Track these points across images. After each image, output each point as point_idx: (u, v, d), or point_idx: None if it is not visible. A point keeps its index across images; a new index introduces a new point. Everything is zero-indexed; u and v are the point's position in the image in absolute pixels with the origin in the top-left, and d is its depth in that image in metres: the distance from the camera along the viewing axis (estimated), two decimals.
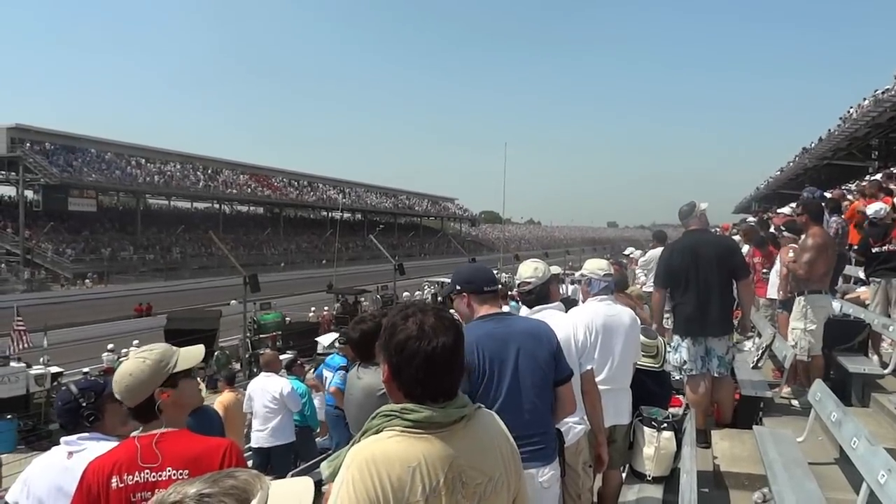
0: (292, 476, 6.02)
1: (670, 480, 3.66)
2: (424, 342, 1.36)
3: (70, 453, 2.15)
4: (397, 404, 1.37)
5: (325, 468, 1.47)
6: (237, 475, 0.94)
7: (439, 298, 30.17)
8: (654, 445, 3.66)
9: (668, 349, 5.70)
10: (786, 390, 4.95)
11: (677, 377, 5.05)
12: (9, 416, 13.78)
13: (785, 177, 32.19)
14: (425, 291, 35.19)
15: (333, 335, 6.47)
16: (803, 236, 4.91)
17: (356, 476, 1.27)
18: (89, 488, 1.73)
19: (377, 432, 1.35)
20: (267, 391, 6.40)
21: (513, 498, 1.45)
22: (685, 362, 4.21)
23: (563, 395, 2.42)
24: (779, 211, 11.37)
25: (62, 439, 2.25)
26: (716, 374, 4.19)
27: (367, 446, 1.32)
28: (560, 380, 2.39)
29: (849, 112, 23.92)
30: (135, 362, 1.84)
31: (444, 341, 1.37)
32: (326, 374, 6.28)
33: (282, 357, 8.52)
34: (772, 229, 8.43)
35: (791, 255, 5.07)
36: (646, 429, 3.72)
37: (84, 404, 2.26)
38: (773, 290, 5.93)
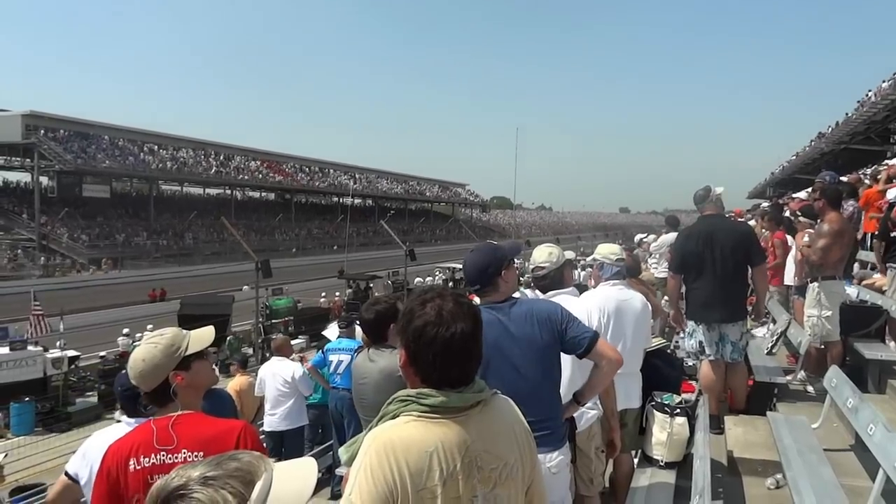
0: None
1: (683, 466, 3.64)
2: (442, 328, 1.35)
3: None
4: (413, 389, 1.37)
5: (343, 453, 1.46)
6: (240, 457, 0.93)
7: (450, 284, 30.15)
8: (666, 431, 3.64)
9: (682, 335, 5.66)
10: (800, 376, 4.90)
11: (690, 363, 5.02)
12: (27, 399, 14.08)
13: (800, 161, 31.66)
14: (436, 277, 35.24)
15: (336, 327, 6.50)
16: (819, 221, 4.83)
17: (374, 461, 1.27)
18: (109, 471, 1.76)
19: (394, 417, 1.35)
20: (279, 375, 6.47)
21: (528, 483, 1.45)
22: (700, 348, 4.17)
23: (597, 356, 2.28)
24: (794, 196, 11.20)
25: (122, 419, 2.37)
26: (729, 360, 4.15)
27: (384, 431, 1.32)
28: (581, 351, 2.28)
29: (867, 96, 23.41)
30: (146, 348, 1.86)
31: (463, 327, 1.36)
32: (341, 357, 6.32)
33: (293, 342, 8.59)
34: (787, 214, 8.32)
35: (806, 239, 4.99)
36: (658, 414, 3.70)
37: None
38: (789, 277, 5.85)
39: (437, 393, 1.33)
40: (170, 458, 1.73)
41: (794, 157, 34.08)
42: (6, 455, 8.18)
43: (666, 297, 5.62)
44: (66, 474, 2.29)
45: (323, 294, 28.03)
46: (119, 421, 2.42)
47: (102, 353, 18.50)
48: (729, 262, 4.01)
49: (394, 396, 1.39)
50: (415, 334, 1.36)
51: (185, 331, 1.95)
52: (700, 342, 4.18)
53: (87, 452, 2.28)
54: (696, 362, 4.36)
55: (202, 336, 1.94)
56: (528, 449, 1.45)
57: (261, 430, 6.62)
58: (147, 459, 1.74)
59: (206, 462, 0.93)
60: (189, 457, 1.72)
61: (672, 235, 8.71)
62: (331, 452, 6.51)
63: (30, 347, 15.85)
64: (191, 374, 1.86)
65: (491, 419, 1.39)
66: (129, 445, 1.78)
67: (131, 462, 1.74)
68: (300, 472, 0.96)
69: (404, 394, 1.37)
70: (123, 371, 2.45)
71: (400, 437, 1.29)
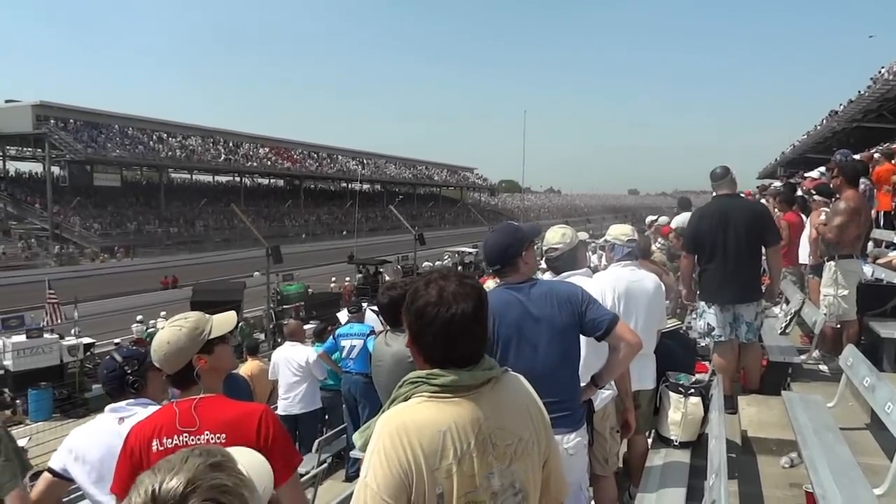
0: (320, 442, 6.18)
1: (697, 446, 3.64)
2: (443, 308, 1.34)
3: (121, 419, 2.22)
4: (423, 370, 1.37)
5: (357, 438, 1.48)
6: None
7: (459, 267, 30.17)
8: (680, 411, 3.63)
9: (693, 315, 5.61)
10: (815, 356, 4.86)
11: (703, 343, 4.99)
12: (44, 385, 14.29)
13: (812, 140, 31.10)
14: (445, 261, 35.26)
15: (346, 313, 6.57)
16: (836, 199, 4.74)
17: (387, 444, 1.27)
18: (132, 451, 1.79)
19: (405, 399, 1.35)
20: (292, 360, 6.50)
21: (544, 458, 1.45)
22: (712, 329, 4.13)
23: (616, 339, 2.29)
24: (807, 175, 11.03)
25: (109, 407, 2.32)
26: (744, 341, 4.11)
27: (396, 414, 1.33)
28: (600, 334, 2.29)
29: (880, 72, 22.90)
30: (171, 331, 1.87)
31: (464, 308, 1.35)
32: (353, 342, 6.34)
33: (306, 327, 8.63)
34: (799, 193, 8.19)
35: (822, 217, 4.91)
36: (672, 394, 3.68)
37: (129, 372, 2.32)
38: (803, 256, 5.77)
39: (447, 372, 1.33)
40: (192, 440, 1.74)
41: (806, 136, 33.50)
42: (29, 439, 8.35)
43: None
44: (51, 471, 2.24)
45: (333, 279, 28.13)
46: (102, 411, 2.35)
47: (117, 340, 18.69)
48: (743, 242, 3.95)
49: (404, 379, 1.39)
50: (416, 314, 1.37)
51: (208, 315, 1.96)
52: (708, 324, 4.13)
53: (74, 447, 2.24)
54: (709, 342, 4.33)
55: (224, 321, 1.96)
56: (543, 424, 1.45)
57: (275, 413, 6.68)
58: (170, 440, 1.75)
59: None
60: (211, 438, 1.74)
61: (686, 216, 8.62)
62: (344, 436, 6.56)
63: (46, 335, 16.04)
64: (214, 357, 1.88)
65: (503, 396, 1.39)
66: (152, 426, 1.79)
67: (154, 443, 1.76)
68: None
69: (414, 376, 1.37)
70: (108, 356, 2.45)
71: (413, 419, 1.30)
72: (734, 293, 4.02)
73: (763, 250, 4.12)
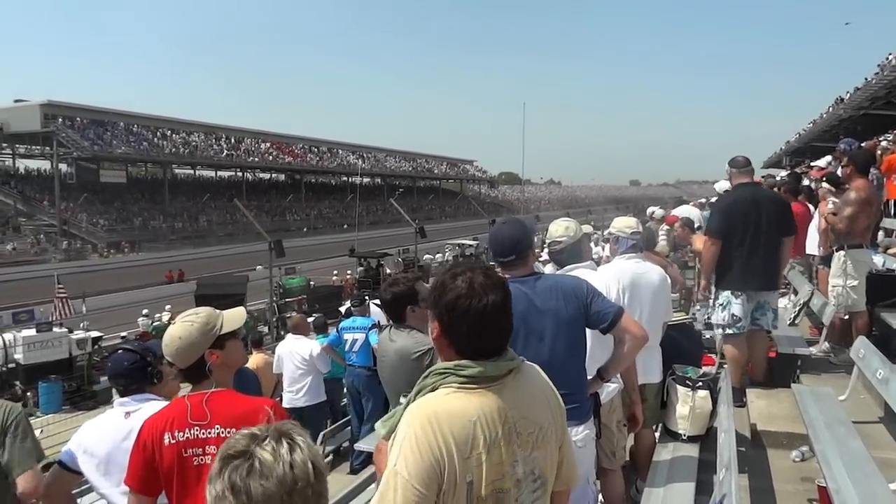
0: (324, 435, 6.13)
1: (705, 440, 3.57)
2: (475, 300, 1.36)
3: (127, 413, 2.23)
4: (450, 361, 1.39)
5: (380, 427, 1.49)
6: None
7: (460, 260, 30.17)
8: (688, 405, 3.55)
9: (698, 307, 5.52)
10: (824, 347, 4.78)
11: (709, 335, 4.91)
12: (53, 378, 14.36)
13: (818, 129, 30.73)
14: (446, 254, 35.22)
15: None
16: (847, 189, 4.64)
17: (419, 432, 1.29)
18: (144, 444, 1.81)
19: (433, 390, 1.37)
20: (296, 353, 6.47)
21: (559, 444, 1.48)
22: (738, 319, 4.01)
23: (621, 332, 2.28)
24: (814, 164, 10.90)
25: (116, 401, 2.33)
26: (771, 329, 4.08)
27: (427, 403, 1.35)
28: (605, 326, 2.27)
29: (888, 59, 22.60)
30: (183, 326, 1.88)
31: (494, 299, 1.37)
32: (356, 336, 6.28)
33: (308, 320, 8.59)
34: (806, 182, 8.08)
35: (831, 207, 4.81)
36: (679, 388, 3.61)
37: (150, 362, 2.33)
38: (812, 246, 5.68)
39: (475, 364, 1.36)
40: (203, 434, 1.77)
41: (811, 125, 33.15)
42: (41, 431, 8.38)
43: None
44: (60, 463, 2.25)
45: (335, 272, 28.15)
46: (112, 406, 2.36)
47: (123, 334, 18.78)
48: (774, 229, 3.94)
49: (430, 370, 1.41)
50: (448, 307, 1.38)
51: (218, 310, 1.97)
52: (734, 314, 4.01)
53: (82, 441, 2.25)
54: (717, 334, 4.24)
55: (235, 316, 1.97)
56: (559, 412, 1.49)
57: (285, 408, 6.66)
58: (181, 434, 1.78)
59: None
60: (222, 432, 1.75)
61: (687, 207, 8.52)
62: (348, 428, 6.52)
63: (55, 329, 16.13)
64: (225, 352, 1.90)
65: (524, 386, 1.42)
66: (164, 420, 1.81)
67: (166, 436, 1.78)
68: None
69: (441, 366, 1.39)
70: (121, 350, 2.44)
71: (444, 408, 1.32)
72: (762, 281, 3.97)
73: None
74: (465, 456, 1.29)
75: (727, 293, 4.05)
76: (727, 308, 4.06)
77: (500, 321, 1.39)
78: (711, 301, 4.29)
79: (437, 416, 1.30)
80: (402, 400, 1.56)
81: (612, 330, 2.29)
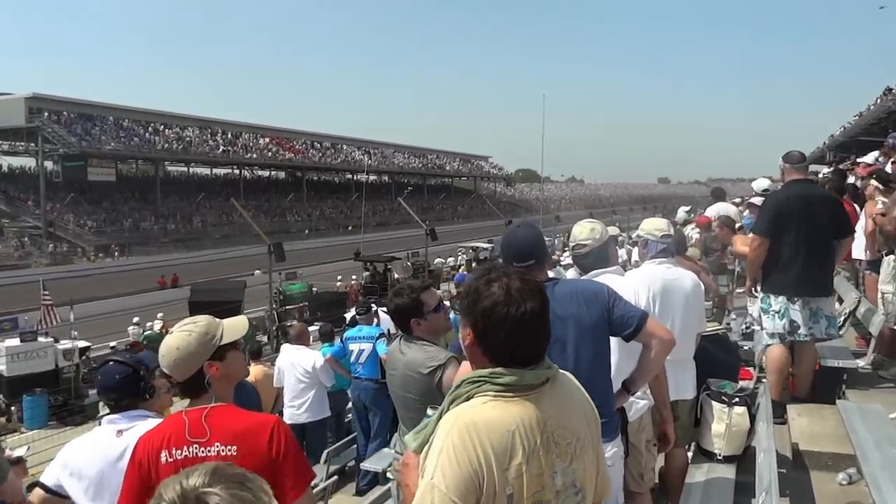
0: (329, 453, 6.16)
1: (742, 460, 3.56)
2: (513, 308, 1.39)
3: (119, 431, 2.23)
4: (485, 369, 1.41)
5: (411, 440, 1.52)
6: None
7: (473, 264, 30.16)
8: (724, 422, 3.55)
9: (734, 316, 5.47)
10: (872, 360, 4.73)
11: (746, 347, 4.87)
12: (39, 391, 14.47)
13: (865, 122, 30.34)
14: (459, 258, 35.25)
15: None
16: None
17: (457, 443, 1.31)
18: (140, 462, 1.81)
19: (467, 399, 1.40)
20: (298, 365, 6.47)
21: (595, 456, 1.52)
22: (797, 328, 3.95)
23: (647, 336, 2.29)
24: (860, 160, 10.79)
25: (106, 418, 2.33)
26: (825, 337, 4.05)
27: (463, 413, 1.36)
28: (630, 332, 2.29)
29: None
30: (180, 336, 1.87)
31: (532, 306, 1.40)
32: (362, 346, 6.32)
33: (310, 329, 8.63)
34: (851, 180, 7.99)
35: (879, 207, 4.77)
36: (715, 404, 3.60)
37: (143, 376, 2.33)
38: (858, 250, 5.63)
39: (511, 372, 1.38)
40: (202, 451, 1.76)
41: (858, 117, 32.79)
42: (28, 448, 8.49)
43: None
44: (43, 486, 2.26)
45: (339, 278, 28.22)
46: (99, 423, 2.37)
47: (113, 343, 18.96)
48: (829, 229, 3.93)
49: (464, 378, 1.44)
50: (483, 314, 1.40)
51: (218, 319, 1.96)
52: (793, 321, 3.94)
53: (69, 462, 2.25)
54: (755, 346, 4.22)
55: (236, 326, 1.96)
56: (595, 422, 1.53)
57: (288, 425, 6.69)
58: (179, 452, 1.77)
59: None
60: (222, 450, 1.75)
61: (723, 205, 8.46)
62: (354, 447, 6.54)
63: (40, 338, 16.24)
64: (225, 364, 1.88)
65: (561, 395, 1.45)
66: (160, 437, 1.81)
67: (163, 454, 1.78)
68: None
69: (475, 375, 1.41)
70: (112, 361, 2.44)
71: (481, 418, 1.34)
72: (818, 286, 3.94)
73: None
74: (504, 467, 1.31)
75: (782, 298, 3.98)
76: (785, 315, 3.98)
77: (539, 328, 1.42)
78: (758, 307, 4.25)
79: (475, 425, 1.32)
80: (430, 412, 1.59)
81: (638, 336, 2.30)
